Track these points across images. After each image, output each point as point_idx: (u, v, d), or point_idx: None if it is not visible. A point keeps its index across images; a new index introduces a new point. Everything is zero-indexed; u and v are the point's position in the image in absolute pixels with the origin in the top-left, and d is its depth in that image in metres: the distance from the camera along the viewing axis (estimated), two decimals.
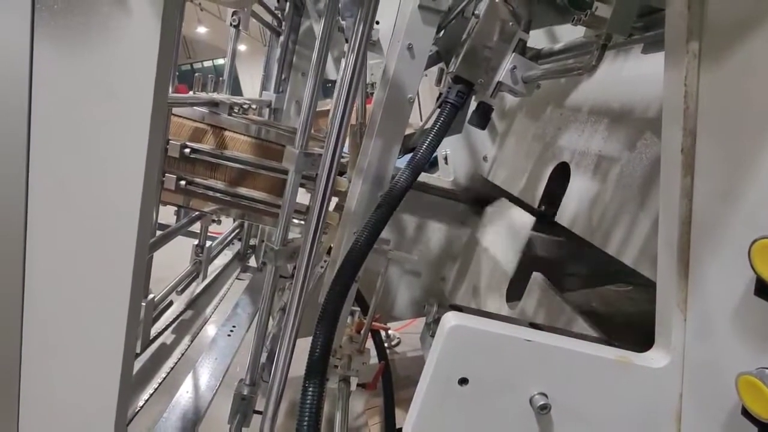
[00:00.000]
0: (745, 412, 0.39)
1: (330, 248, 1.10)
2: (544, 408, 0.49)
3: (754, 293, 0.37)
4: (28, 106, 0.36)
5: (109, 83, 0.37)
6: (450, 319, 0.48)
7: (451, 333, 0.47)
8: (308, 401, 0.65)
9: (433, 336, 0.55)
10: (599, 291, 1.40)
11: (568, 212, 1.03)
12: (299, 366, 0.81)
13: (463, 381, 0.48)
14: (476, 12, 0.82)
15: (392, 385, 1.31)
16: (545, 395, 0.49)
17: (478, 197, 1.73)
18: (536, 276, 1.12)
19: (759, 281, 0.36)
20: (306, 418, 0.63)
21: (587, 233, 0.92)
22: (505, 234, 1.47)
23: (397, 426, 1.37)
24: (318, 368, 0.66)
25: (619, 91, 0.91)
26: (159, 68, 0.37)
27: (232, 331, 1.16)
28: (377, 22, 1.06)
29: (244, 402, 0.82)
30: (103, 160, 0.39)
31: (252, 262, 1.72)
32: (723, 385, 0.42)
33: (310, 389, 0.65)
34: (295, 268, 1.25)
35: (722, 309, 0.41)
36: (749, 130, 0.36)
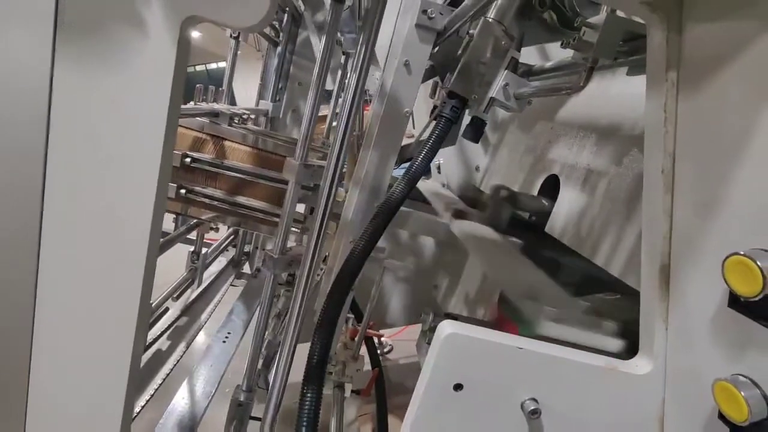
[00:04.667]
0: (721, 416, 0.42)
1: (326, 256, 1.12)
2: (535, 413, 0.51)
3: (727, 305, 0.40)
4: (47, 120, 0.38)
5: (125, 101, 0.39)
6: (445, 327, 0.50)
7: (446, 341, 0.50)
8: (306, 406, 0.66)
9: (429, 343, 0.57)
10: (590, 299, 1.43)
11: (558, 223, 1.07)
12: (294, 372, 0.82)
13: (458, 387, 0.50)
14: (470, 31, 0.85)
15: (385, 392, 1.33)
16: (536, 400, 0.51)
17: (470, 205, 1.76)
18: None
19: (731, 294, 0.39)
20: (304, 423, 0.65)
21: (576, 244, 0.95)
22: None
23: None
24: (316, 374, 0.68)
25: (607, 109, 0.95)
26: (173, 87, 0.39)
27: (227, 337, 1.17)
28: None
29: (241, 408, 0.84)
30: (119, 174, 0.40)
31: (246, 268, 1.73)
32: (701, 391, 0.44)
33: (309, 395, 0.67)
34: (290, 275, 1.26)
35: (700, 319, 0.44)
36: (721, 154, 0.39)
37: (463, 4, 0.78)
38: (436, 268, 1.84)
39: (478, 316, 1.31)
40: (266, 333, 1.15)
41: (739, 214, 0.40)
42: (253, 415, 0.87)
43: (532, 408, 0.51)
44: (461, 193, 1.76)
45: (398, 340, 2.07)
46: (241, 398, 0.84)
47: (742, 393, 0.39)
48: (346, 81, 0.59)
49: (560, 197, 1.09)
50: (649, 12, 0.42)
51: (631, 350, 0.59)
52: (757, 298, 0.36)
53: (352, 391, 1.08)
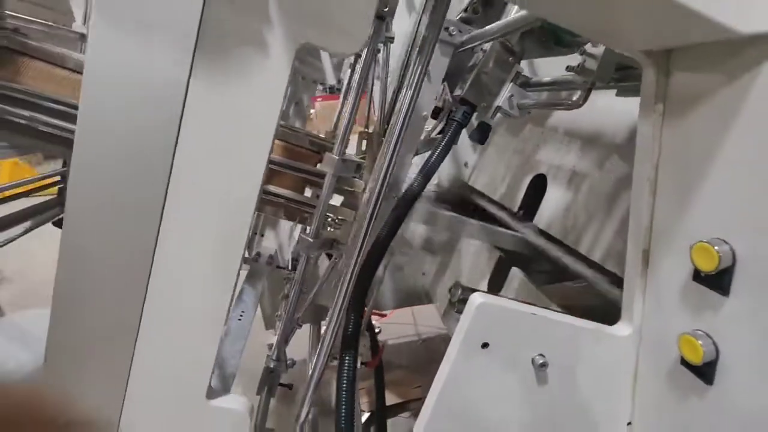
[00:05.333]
0: (683, 362, 0.57)
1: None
2: (543, 366, 0.65)
3: (692, 279, 0.54)
4: (178, 123, 0.46)
5: (245, 111, 0.47)
6: (477, 298, 0.63)
7: (478, 309, 0.62)
8: (345, 371, 0.77)
9: (458, 312, 0.69)
10: (560, 286, 1.61)
11: (544, 217, 1.22)
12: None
13: (485, 345, 0.63)
14: (483, 48, 0.98)
15: (383, 367, 1.45)
16: (543, 356, 0.65)
17: (459, 199, 1.90)
18: (515, 271, 1.30)
19: (695, 271, 0.53)
20: (344, 385, 0.76)
21: (562, 235, 1.11)
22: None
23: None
24: (353, 341, 0.79)
25: (592, 118, 1.10)
26: (282, 101, 0.48)
27: (241, 316, 1.26)
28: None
29: (272, 375, 0.94)
30: (233, 169, 0.49)
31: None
32: (669, 344, 0.59)
33: (347, 359, 0.78)
34: (295, 260, 1.36)
35: (671, 291, 0.59)
36: (692, 168, 0.54)
37: (485, 29, 0.89)
38: (423, 255, 1.98)
39: None
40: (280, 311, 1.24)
41: (703, 212, 0.54)
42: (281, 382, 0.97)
43: (541, 362, 0.65)
44: (451, 186, 1.90)
45: (386, 323, 2.20)
46: (272, 366, 0.94)
47: (699, 342, 0.53)
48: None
49: (547, 194, 1.24)
50: (645, 58, 0.56)
51: None
52: (713, 273, 0.51)
53: (361, 363, 1.20)
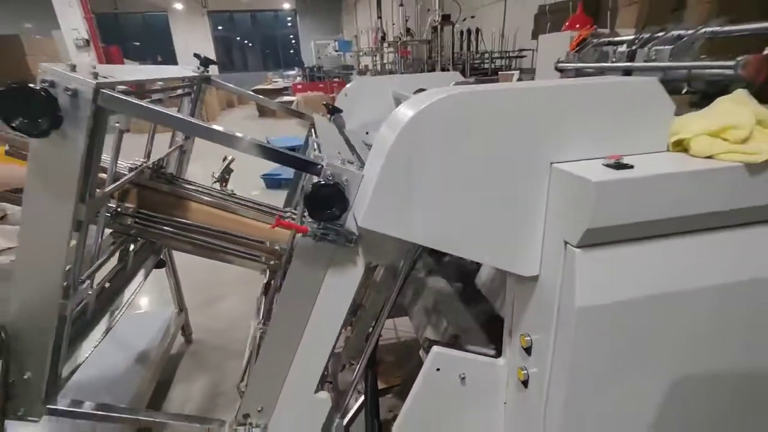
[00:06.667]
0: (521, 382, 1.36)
1: None
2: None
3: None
4: None
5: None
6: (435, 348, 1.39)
7: (436, 356, 1.39)
8: (370, 381, 1.53)
9: (426, 352, 1.47)
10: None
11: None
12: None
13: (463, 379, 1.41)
14: None
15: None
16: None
17: None
18: None
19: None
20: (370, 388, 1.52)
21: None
22: None
23: None
24: (373, 357, 1.55)
25: None
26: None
27: None
28: None
29: None
30: None
31: None
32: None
33: (370, 373, 1.53)
34: None
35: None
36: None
37: None
38: None
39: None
40: None
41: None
42: None
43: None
44: None
45: None
46: None
47: (523, 372, 1.32)
48: None
49: None
50: None
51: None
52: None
53: None
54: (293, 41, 26.24)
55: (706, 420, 1.28)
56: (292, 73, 19.88)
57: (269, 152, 1.07)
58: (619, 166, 0.99)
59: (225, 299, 3.47)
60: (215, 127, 1.03)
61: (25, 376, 1.13)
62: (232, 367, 2.63)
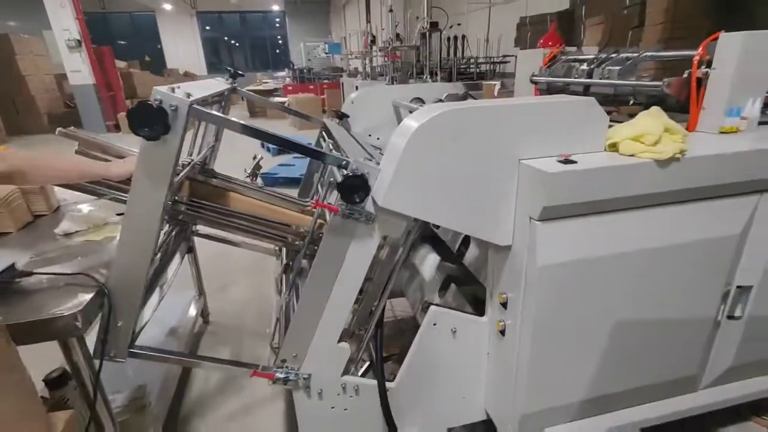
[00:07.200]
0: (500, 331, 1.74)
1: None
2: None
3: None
4: None
5: None
6: (434, 308, 1.76)
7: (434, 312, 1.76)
8: (378, 341, 1.88)
9: (423, 311, 1.83)
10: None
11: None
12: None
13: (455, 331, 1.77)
14: None
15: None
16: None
17: None
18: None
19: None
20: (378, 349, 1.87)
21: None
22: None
23: None
24: (380, 321, 1.91)
25: None
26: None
27: None
28: None
29: None
30: None
31: None
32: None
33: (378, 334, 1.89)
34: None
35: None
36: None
37: None
38: None
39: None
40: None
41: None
42: None
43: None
44: None
45: None
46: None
47: (501, 323, 1.70)
48: None
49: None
50: None
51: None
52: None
53: None
54: (281, 42, 26.41)
55: (637, 352, 1.68)
56: (281, 74, 20.10)
57: (318, 154, 1.45)
58: (567, 161, 1.38)
59: (234, 286, 3.79)
60: (278, 134, 1.40)
61: (119, 324, 1.46)
62: (247, 344, 2.96)
